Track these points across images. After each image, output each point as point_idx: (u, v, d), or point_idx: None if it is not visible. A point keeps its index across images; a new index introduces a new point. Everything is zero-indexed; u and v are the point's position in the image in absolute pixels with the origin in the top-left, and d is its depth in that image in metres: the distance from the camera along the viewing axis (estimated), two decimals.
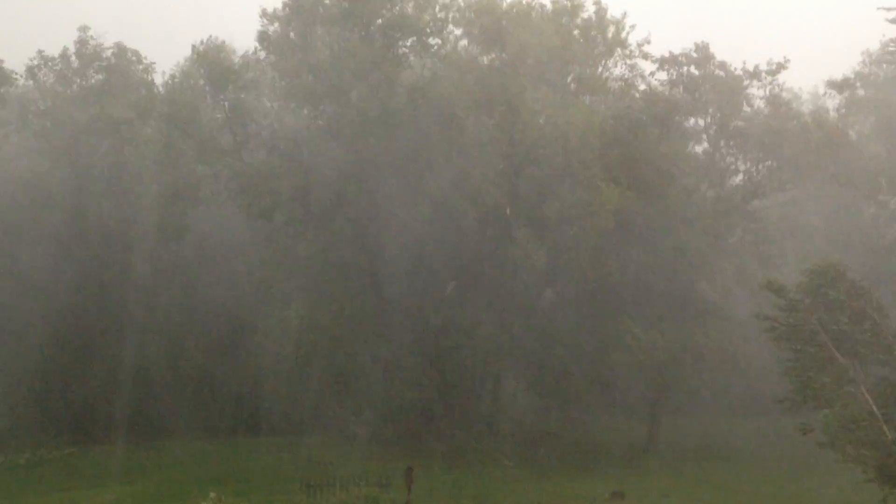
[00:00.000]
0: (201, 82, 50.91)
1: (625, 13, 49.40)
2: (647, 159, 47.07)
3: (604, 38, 49.04)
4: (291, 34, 48.89)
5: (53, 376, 51.66)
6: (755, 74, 49.88)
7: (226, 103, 50.00)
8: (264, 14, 49.45)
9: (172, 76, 54.88)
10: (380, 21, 48.43)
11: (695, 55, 49.53)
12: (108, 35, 57.76)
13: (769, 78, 49.84)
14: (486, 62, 48.00)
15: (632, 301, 49.71)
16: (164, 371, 51.06)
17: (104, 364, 51.16)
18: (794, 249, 52.86)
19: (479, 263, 50.41)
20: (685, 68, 49.57)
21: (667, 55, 50.11)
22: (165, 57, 59.48)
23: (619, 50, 49.66)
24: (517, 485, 41.07)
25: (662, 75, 50.93)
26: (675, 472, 44.53)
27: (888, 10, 56.10)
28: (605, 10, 49.38)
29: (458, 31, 50.75)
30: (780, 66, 49.67)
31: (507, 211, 48.66)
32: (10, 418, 51.10)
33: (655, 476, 43.19)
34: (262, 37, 49.55)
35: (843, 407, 30.66)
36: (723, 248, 50.76)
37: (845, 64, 57.13)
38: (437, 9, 49.58)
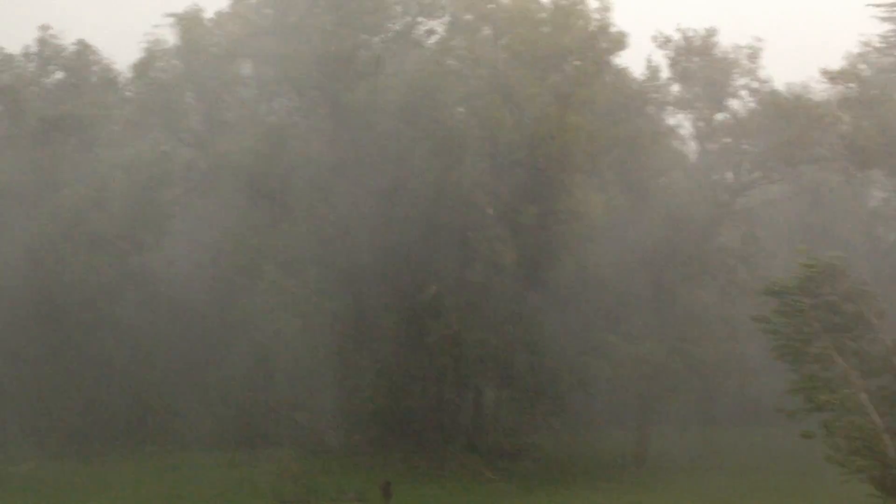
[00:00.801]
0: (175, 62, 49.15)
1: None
2: (636, 159, 45.59)
3: (604, 36, 47.61)
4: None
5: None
6: (736, 63, 48.62)
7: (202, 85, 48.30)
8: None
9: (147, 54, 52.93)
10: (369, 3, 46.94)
11: (695, 42, 48.19)
12: (69, 32, 56.43)
13: (749, 64, 48.46)
14: (475, 57, 46.26)
15: (616, 306, 48.23)
16: (130, 381, 48.87)
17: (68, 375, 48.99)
18: (787, 249, 51.73)
19: (460, 268, 48.68)
20: (681, 57, 48.19)
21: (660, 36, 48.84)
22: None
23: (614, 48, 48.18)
24: (501, 499, 39.88)
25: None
26: (666, 484, 43.17)
27: (878, 6, 55.31)
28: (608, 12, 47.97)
29: (435, 23, 49.15)
30: (758, 49, 48.69)
31: (490, 211, 47.04)
32: None
33: (644, 489, 41.88)
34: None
35: (846, 418, 29.38)
36: (711, 249, 49.33)
37: (831, 61, 55.67)
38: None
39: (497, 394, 50.82)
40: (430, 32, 50.20)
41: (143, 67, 50.72)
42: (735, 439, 51.68)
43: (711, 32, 48.45)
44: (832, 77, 47.13)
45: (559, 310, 48.84)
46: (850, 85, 47.18)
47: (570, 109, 44.96)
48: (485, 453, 47.55)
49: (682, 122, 50.56)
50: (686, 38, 48.71)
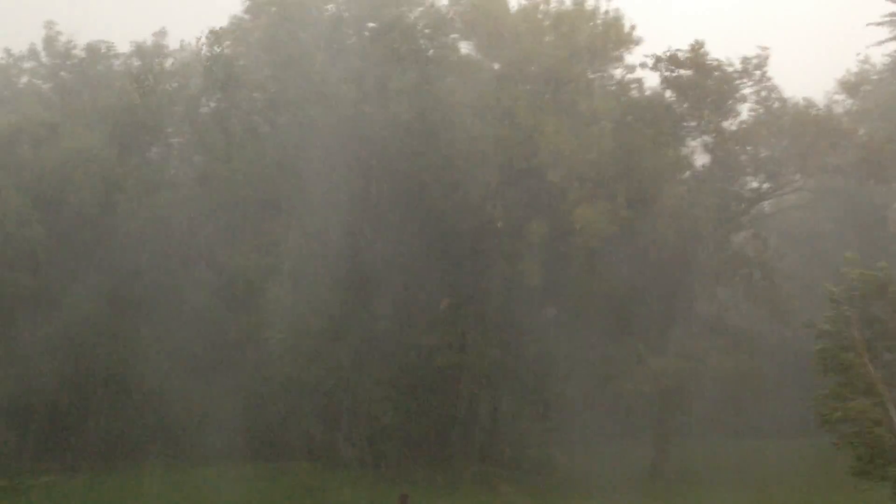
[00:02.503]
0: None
1: (633, 26, 47.98)
2: (644, 168, 45.29)
3: (614, 44, 47.39)
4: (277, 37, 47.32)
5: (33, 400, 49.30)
6: (745, 72, 48.09)
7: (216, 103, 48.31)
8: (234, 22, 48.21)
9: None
10: (372, 24, 46.87)
11: (688, 55, 47.71)
12: (79, 32, 57.51)
13: (758, 72, 47.98)
14: (485, 70, 46.13)
15: (630, 318, 47.85)
16: (144, 395, 48.78)
17: (83, 389, 48.95)
18: (807, 258, 51.37)
19: (473, 280, 48.56)
20: (679, 71, 47.72)
21: (660, 55, 48.36)
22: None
23: (621, 54, 48.00)
24: None
25: (656, 79, 49.24)
26: (683, 497, 42.59)
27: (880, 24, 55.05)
28: (618, 20, 47.74)
29: (454, 36, 49.14)
30: (765, 58, 47.87)
31: (499, 224, 46.85)
32: None
33: (661, 502, 40.98)
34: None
35: (869, 427, 28.91)
36: (726, 260, 48.91)
37: (840, 71, 55.33)
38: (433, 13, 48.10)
39: (512, 407, 50.59)
40: (442, 45, 50.17)
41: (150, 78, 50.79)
42: (755, 452, 50.84)
43: (699, 45, 47.71)
44: (848, 87, 46.84)
45: (573, 322, 48.65)
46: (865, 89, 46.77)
47: (573, 121, 44.81)
48: (500, 466, 47.31)
49: (690, 132, 49.95)
50: (675, 55, 47.91)
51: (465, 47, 49.66)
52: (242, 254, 46.06)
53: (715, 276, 48.05)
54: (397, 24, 46.96)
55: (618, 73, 49.22)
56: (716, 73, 47.05)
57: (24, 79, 59.10)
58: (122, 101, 48.97)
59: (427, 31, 48.19)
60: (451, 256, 48.13)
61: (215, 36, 47.92)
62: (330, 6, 49.69)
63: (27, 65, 59.29)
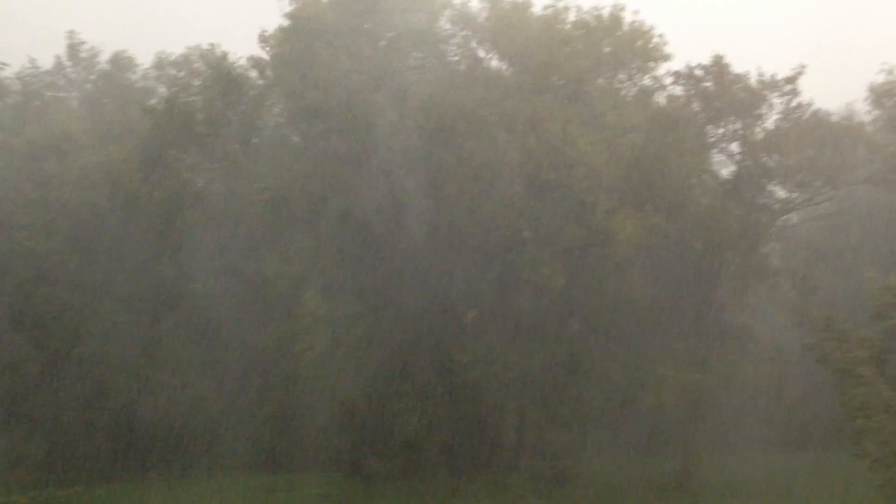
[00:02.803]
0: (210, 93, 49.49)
1: (660, 34, 47.67)
2: (670, 177, 44.93)
3: (642, 58, 47.03)
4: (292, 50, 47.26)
5: (62, 411, 49.61)
6: (773, 85, 47.54)
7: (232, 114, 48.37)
8: (262, 39, 48.28)
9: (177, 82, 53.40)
10: (391, 34, 46.72)
11: (712, 68, 47.25)
12: (101, 42, 58.00)
13: (788, 86, 47.42)
14: (508, 78, 45.81)
15: (659, 328, 47.42)
16: (168, 404, 48.91)
17: (114, 399, 49.19)
18: (834, 269, 50.72)
19: (500, 291, 48.29)
20: (702, 84, 47.25)
21: (682, 69, 48.05)
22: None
23: (648, 65, 47.60)
24: None
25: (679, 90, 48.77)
26: None
27: None
28: (642, 29, 47.33)
29: (473, 43, 48.95)
30: (798, 73, 47.27)
31: (524, 234, 46.58)
32: (11, 455, 49.52)
33: None
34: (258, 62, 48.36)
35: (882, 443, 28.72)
36: (754, 270, 48.38)
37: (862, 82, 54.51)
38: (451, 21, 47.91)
39: (539, 418, 50.30)
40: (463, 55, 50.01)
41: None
42: (784, 464, 50.20)
43: (720, 58, 47.20)
44: (877, 97, 46.23)
45: (600, 333, 48.31)
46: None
47: (598, 131, 44.48)
48: (527, 477, 47.04)
49: (717, 142, 49.45)
50: (693, 71, 47.60)
51: (489, 57, 49.37)
52: (270, 264, 46.05)
53: (742, 286, 47.49)
54: (427, 32, 46.76)
55: (644, 82, 48.78)
56: (739, 85, 46.53)
57: (49, 91, 59.28)
58: (149, 115, 49.23)
59: (456, 39, 47.95)
60: (477, 267, 47.91)
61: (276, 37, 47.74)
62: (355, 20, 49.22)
63: (50, 79, 59.42)
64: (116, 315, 47.65)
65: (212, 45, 52.78)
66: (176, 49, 59.73)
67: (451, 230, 47.32)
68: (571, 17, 47.91)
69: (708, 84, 47.09)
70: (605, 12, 47.64)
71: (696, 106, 47.86)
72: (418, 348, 48.22)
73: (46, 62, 60.22)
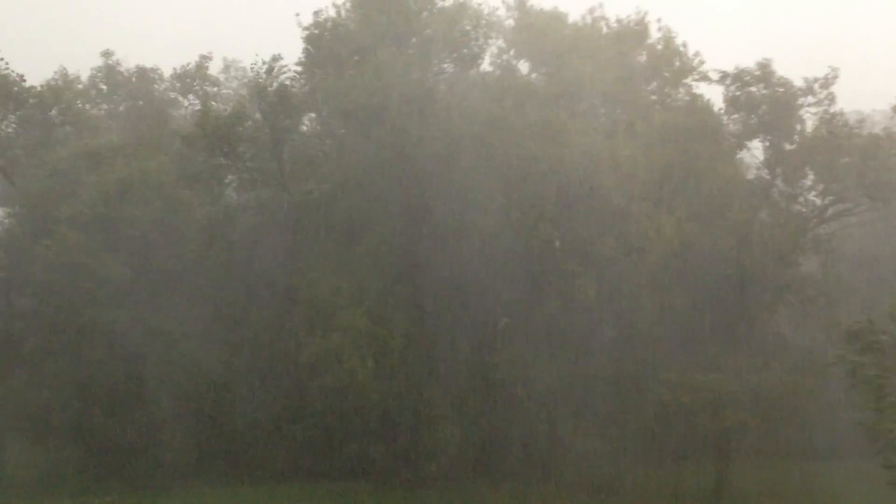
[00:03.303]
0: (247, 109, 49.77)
1: (685, 43, 47.53)
2: (705, 185, 44.72)
3: (669, 66, 46.89)
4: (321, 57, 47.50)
5: (94, 418, 49.93)
6: (809, 90, 47.18)
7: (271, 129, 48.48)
8: (307, 40, 48.39)
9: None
10: (415, 40, 46.77)
11: (756, 72, 46.96)
12: (129, 55, 58.11)
13: (823, 92, 46.96)
14: (539, 86, 45.77)
15: (691, 336, 47.18)
16: (207, 415, 49.17)
17: (150, 404, 49.46)
18: (868, 278, 50.26)
19: (532, 299, 48.28)
20: (748, 88, 46.96)
21: (730, 71, 47.79)
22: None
23: (681, 74, 47.47)
24: None
25: (718, 93, 48.55)
26: None
27: None
28: (678, 47, 47.19)
29: (502, 46, 48.99)
30: (833, 77, 47.04)
31: (557, 244, 46.48)
32: (48, 464, 49.87)
33: None
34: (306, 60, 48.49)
35: None
36: (787, 278, 48.03)
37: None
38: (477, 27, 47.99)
39: (571, 425, 50.19)
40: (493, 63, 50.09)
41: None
42: (817, 474, 49.81)
43: (766, 64, 47.02)
44: None
45: (631, 340, 48.13)
46: None
47: (631, 140, 44.35)
48: (560, 486, 46.96)
49: (753, 149, 49.27)
50: (743, 71, 47.38)
51: (521, 66, 49.43)
52: (306, 276, 46.19)
53: (776, 294, 47.16)
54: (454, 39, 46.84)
55: (679, 92, 48.61)
56: (780, 90, 46.23)
57: (78, 103, 59.59)
58: (184, 127, 49.54)
59: (481, 44, 47.99)
60: (508, 275, 47.87)
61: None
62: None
63: (81, 86, 59.79)
64: (158, 324, 47.90)
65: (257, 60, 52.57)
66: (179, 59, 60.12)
67: (482, 238, 47.40)
68: (604, 27, 47.87)
69: (752, 89, 46.77)
70: (633, 21, 47.62)
71: (735, 111, 47.54)
72: (452, 356, 48.30)
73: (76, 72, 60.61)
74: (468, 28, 48.47)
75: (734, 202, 46.37)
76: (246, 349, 49.52)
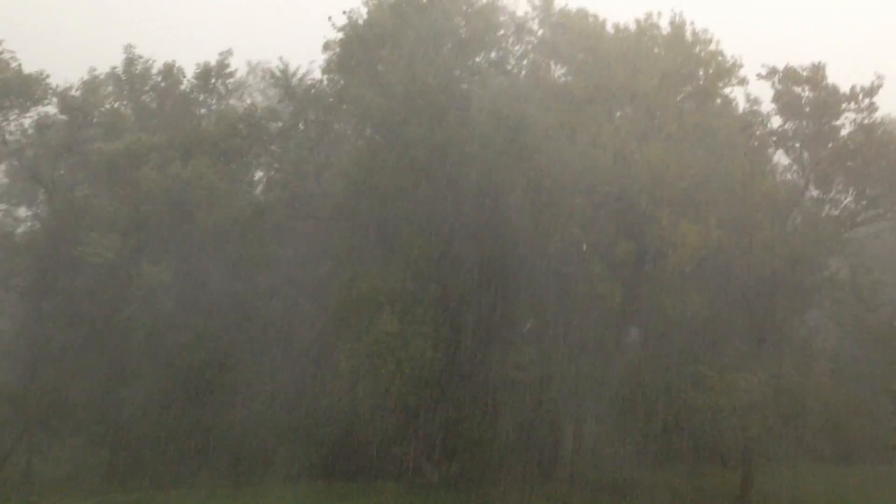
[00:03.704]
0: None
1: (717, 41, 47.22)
2: (736, 195, 44.66)
3: (712, 77, 46.75)
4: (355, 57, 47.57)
5: (119, 416, 50.25)
6: (851, 96, 46.82)
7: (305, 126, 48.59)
8: (327, 46, 48.60)
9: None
10: (450, 43, 46.83)
11: (805, 73, 46.72)
12: (156, 54, 57.83)
13: (867, 100, 46.71)
14: (572, 89, 45.53)
15: (719, 340, 47.07)
16: (242, 415, 49.42)
17: (179, 406, 49.76)
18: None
19: (558, 300, 48.28)
20: (794, 88, 46.67)
21: (779, 68, 47.33)
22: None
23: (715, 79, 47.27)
24: None
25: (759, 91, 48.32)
26: None
27: None
28: (719, 54, 47.05)
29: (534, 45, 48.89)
30: (878, 86, 46.40)
31: (584, 247, 46.46)
32: (77, 461, 50.23)
33: None
34: (329, 67, 48.77)
35: None
36: (817, 281, 47.85)
37: None
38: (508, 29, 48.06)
39: (596, 428, 50.20)
40: (520, 63, 50.11)
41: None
42: (841, 477, 49.76)
43: (820, 67, 46.77)
44: None
45: (657, 343, 48.05)
46: None
47: (664, 146, 44.26)
48: (585, 488, 46.95)
49: (786, 154, 48.97)
50: (793, 70, 47.01)
51: (549, 66, 49.27)
52: (337, 278, 46.34)
53: (805, 298, 47.02)
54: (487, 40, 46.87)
55: (716, 102, 48.40)
56: (823, 94, 46.04)
57: (107, 104, 59.81)
58: (221, 128, 49.74)
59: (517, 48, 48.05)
60: (535, 277, 47.87)
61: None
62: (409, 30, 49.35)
63: (110, 89, 60.04)
64: (193, 322, 48.19)
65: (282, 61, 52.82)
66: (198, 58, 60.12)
67: (510, 239, 47.43)
68: (639, 31, 47.46)
69: (799, 89, 46.56)
70: (669, 25, 47.28)
71: (778, 111, 47.27)
72: (477, 357, 48.33)
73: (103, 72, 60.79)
74: (502, 32, 48.39)
75: (767, 213, 46.14)
76: (272, 348, 49.67)
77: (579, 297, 47.26)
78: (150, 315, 47.19)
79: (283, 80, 51.57)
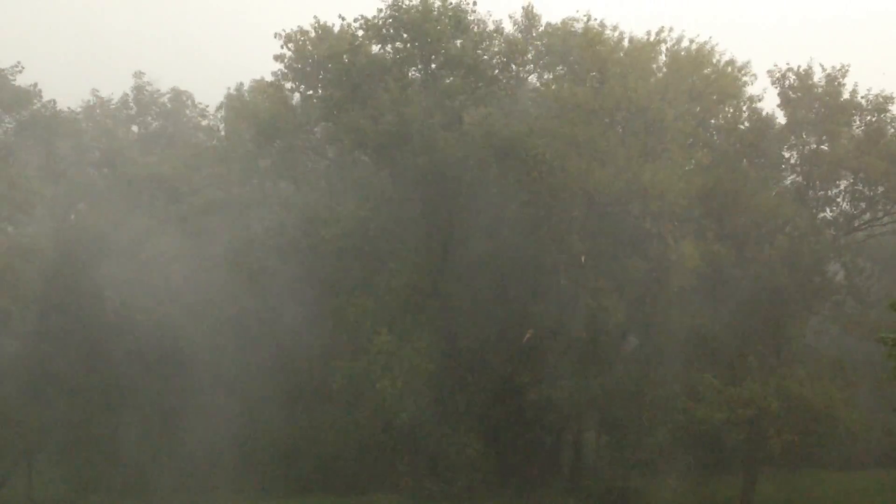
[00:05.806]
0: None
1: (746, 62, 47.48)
2: (742, 208, 45.06)
3: (719, 95, 46.89)
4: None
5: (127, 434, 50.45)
6: (857, 106, 46.70)
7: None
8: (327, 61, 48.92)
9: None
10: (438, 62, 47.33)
11: (822, 81, 46.72)
12: (162, 80, 58.44)
13: (876, 115, 46.48)
14: (580, 104, 45.57)
15: (719, 348, 47.16)
16: (243, 430, 49.53)
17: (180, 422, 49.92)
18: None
19: (557, 312, 48.51)
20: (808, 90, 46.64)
21: (794, 68, 46.88)
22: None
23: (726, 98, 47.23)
24: None
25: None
26: None
27: None
28: (729, 74, 46.74)
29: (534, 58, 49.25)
30: (888, 100, 46.32)
31: (583, 259, 46.67)
32: (82, 478, 50.14)
33: None
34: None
35: None
36: (817, 285, 47.90)
37: None
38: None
39: (596, 438, 50.14)
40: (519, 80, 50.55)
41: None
42: (841, 483, 49.56)
43: (839, 73, 46.49)
44: None
45: (657, 353, 48.06)
46: None
47: (667, 162, 44.59)
48: (586, 498, 46.85)
49: (789, 158, 49.13)
50: (804, 74, 46.53)
51: (556, 80, 49.43)
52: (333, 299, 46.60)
53: (807, 303, 47.16)
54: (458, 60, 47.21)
55: (720, 118, 48.62)
56: (828, 98, 46.28)
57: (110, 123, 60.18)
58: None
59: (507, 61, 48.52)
60: (535, 289, 48.16)
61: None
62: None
63: (121, 112, 60.48)
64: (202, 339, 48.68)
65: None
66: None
67: (509, 250, 47.70)
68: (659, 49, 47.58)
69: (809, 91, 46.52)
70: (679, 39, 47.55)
71: (788, 112, 47.37)
72: (477, 369, 48.43)
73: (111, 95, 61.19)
74: (495, 49, 48.52)
75: (768, 227, 46.42)
76: (275, 369, 49.95)
77: (580, 309, 47.37)
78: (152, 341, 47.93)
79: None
